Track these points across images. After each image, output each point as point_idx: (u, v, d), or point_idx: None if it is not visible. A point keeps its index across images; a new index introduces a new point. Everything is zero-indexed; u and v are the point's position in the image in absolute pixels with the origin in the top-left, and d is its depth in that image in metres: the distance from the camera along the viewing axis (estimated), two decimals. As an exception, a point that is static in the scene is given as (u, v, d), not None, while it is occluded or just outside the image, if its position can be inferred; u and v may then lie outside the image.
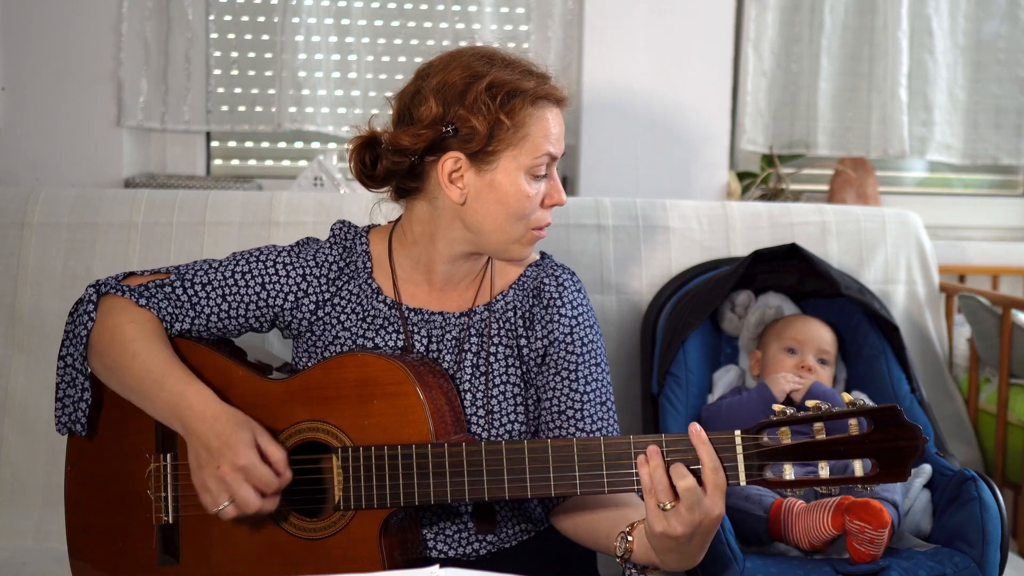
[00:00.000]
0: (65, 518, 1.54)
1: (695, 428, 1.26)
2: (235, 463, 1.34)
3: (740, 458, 1.25)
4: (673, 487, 1.24)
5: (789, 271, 2.09)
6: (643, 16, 2.60)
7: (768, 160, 2.74)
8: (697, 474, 1.25)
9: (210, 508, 1.36)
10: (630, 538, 1.34)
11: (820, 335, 1.97)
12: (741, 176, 2.73)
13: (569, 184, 2.75)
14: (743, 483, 1.25)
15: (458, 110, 1.42)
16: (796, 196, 2.76)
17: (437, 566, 1.05)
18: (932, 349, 2.32)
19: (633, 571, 1.40)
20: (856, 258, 2.28)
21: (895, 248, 2.31)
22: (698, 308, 2.01)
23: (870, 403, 1.25)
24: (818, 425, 1.23)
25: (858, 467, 1.23)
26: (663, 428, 1.92)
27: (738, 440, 1.25)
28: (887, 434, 1.21)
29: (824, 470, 1.23)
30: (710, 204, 2.31)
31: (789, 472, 1.24)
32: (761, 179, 2.73)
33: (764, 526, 1.65)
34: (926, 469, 1.81)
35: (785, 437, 1.24)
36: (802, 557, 1.65)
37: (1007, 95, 2.77)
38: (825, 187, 2.80)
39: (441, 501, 1.35)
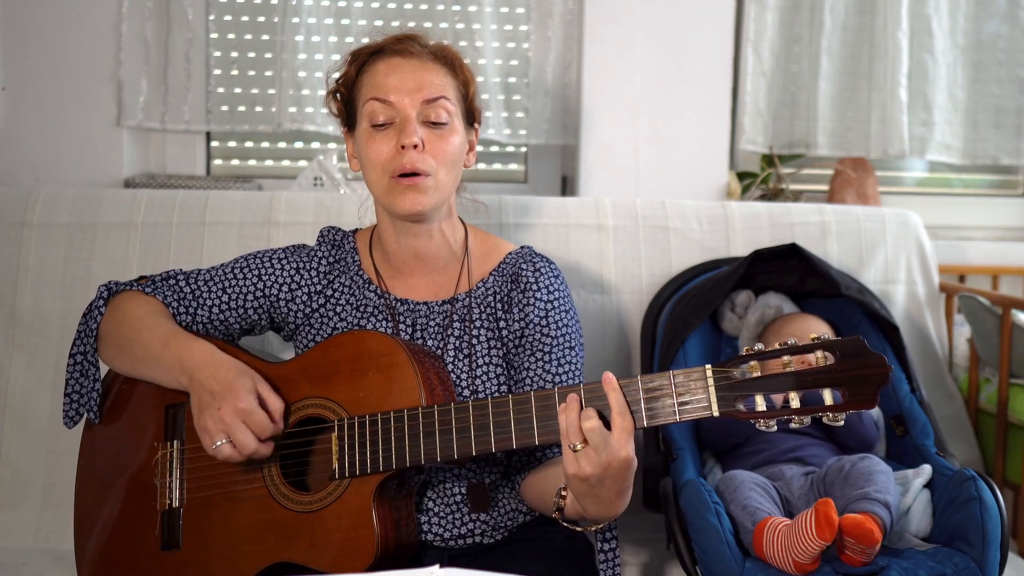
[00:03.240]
0: (74, 506, 1.58)
1: (607, 376, 1.31)
2: (236, 406, 1.40)
3: (712, 390, 1.28)
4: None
5: (789, 271, 2.09)
6: (643, 16, 2.60)
7: (768, 160, 2.74)
8: (608, 420, 1.29)
9: (208, 447, 1.41)
10: (564, 492, 1.39)
11: (819, 333, 1.97)
12: (741, 176, 2.73)
13: (569, 184, 2.75)
14: (716, 414, 1.28)
15: (328, 99, 1.63)
16: (796, 196, 2.76)
17: (437, 566, 1.05)
18: (932, 349, 2.32)
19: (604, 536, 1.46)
20: (856, 258, 2.28)
21: (895, 248, 2.31)
22: (698, 308, 2.01)
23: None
24: (786, 359, 1.27)
25: (827, 396, 1.26)
26: (663, 428, 1.92)
27: (709, 373, 1.29)
28: (852, 363, 1.25)
29: (795, 401, 1.26)
30: (710, 204, 2.30)
31: (761, 403, 1.27)
32: (761, 179, 2.73)
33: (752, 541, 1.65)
34: (926, 469, 1.80)
35: (755, 371, 1.28)
36: (802, 557, 1.65)
37: (1007, 95, 2.77)
38: (825, 187, 2.80)
39: (431, 460, 1.38)
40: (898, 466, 1.83)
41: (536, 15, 2.66)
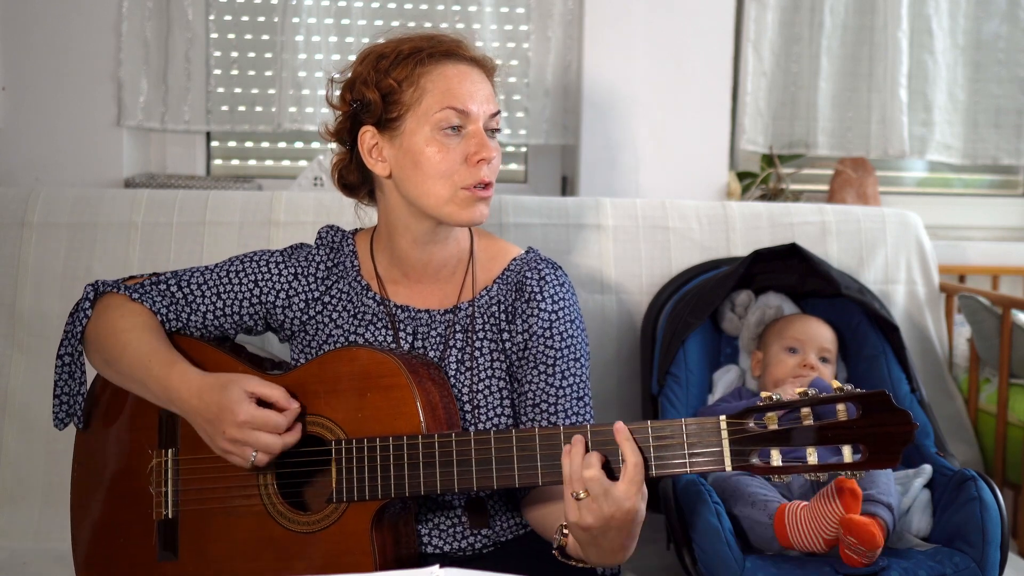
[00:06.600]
0: (70, 514, 1.56)
1: (619, 426, 1.27)
2: (235, 421, 1.37)
3: (725, 443, 1.24)
4: None
5: (789, 271, 2.09)
6: (643, 16, 2.60)
7: (768, 160, 2.74)
8: (613, 467, 1.25)
9: (245, 465, 1.39)
10: (565, 531, 1.34)
11: (821, 333, 1.97)
12: (741, 176, 2.73)
13: (569, 184, 2.75)
14: (729, 469, 1.24)
15: (358, 87, 1.50)
16: (796, 196, 2.76)
17: (437, 566, 1.05)
18: (932, 349, 2.32)
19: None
20: (856, 258, 2.28)
21: (895, 248, 2.31)
22: (698, 308, 2.01)
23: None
24: (805, 411, 1.21)
25: (847, 453, 1.20)
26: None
27: (723, 425, 1.24)
28: (876, 419, 1.18)
29: (812, 456, 1.21)
30: (710, 204, 2.31)
31: (776, 458, 1.22)
32: (761, 179, 2.73)
33: (771, 532, 1.64)
34: (926, 469, 1.81)
35: (772, 423, 1.22)
36: (802, 557, 1.65)
37: (1007, 95, 2.77)
38: (825, 187, 2.80)
39: (431, 492, 1.36)
40: (898, 466, 1.84)
41: (536, 15, 2.66)
